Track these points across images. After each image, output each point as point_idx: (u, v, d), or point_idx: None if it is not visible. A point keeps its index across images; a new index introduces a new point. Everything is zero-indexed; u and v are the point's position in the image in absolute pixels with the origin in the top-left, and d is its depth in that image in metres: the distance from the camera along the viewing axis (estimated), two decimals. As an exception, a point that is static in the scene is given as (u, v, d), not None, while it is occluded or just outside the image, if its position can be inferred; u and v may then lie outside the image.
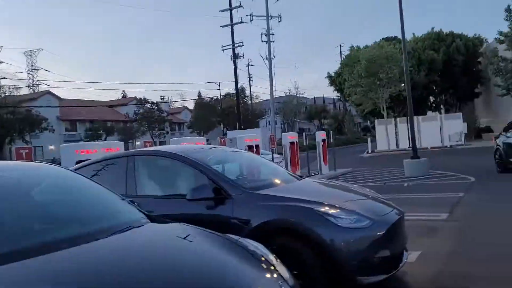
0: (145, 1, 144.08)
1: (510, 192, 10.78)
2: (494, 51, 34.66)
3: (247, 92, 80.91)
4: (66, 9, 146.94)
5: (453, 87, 40.60)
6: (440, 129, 32.60)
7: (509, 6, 30.48)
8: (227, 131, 45.80)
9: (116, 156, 5.25)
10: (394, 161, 16.25)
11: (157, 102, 58.84)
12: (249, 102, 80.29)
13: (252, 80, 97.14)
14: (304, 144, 17.33)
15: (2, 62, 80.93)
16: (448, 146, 31.20)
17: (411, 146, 31.95)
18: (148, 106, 58.93)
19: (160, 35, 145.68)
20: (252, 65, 78.25)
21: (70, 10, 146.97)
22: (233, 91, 66.37)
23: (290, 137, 15.75)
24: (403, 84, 32.80)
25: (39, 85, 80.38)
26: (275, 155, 17.55)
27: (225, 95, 74.11)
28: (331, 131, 20.11)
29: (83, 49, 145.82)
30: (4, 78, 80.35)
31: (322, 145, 18.55)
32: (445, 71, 38.76)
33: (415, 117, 33.55)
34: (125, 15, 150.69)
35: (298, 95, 66.03)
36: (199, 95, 76.03)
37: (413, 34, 42.95)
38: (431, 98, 42.78)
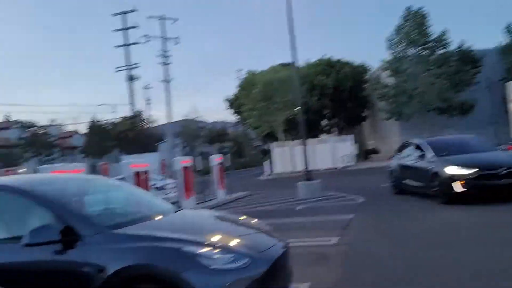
0: (32, 18, 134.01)
1: (398, 211, 11.15)
2: (377, 78, 37.56)
3: (145, 116, 78.43)
4: None
5: (343, 111, 43.12)
6: (333, 151, 34.15)
7: (390, 36, 33.48)
8: (123, 156, 43.45)
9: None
10: (290, 184, 16.43)
11: (43, 126, 54.21)
12: (146, 126, 77.84)
13: (150, 103, 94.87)
14: (197, 169, 16.66)
15: None
16: (340, 167, 32.69)
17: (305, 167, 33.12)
18: (33, 129, 54.02)
19: (48, 53, 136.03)
20: (151, 87, 76.35)
21: None
22: (129, 114, 63.94)
23: (183, 161, 15.00)
24: (297, 108, 34.00)
25: None
26: (169, 180, 16.69)
27: (122, 119, 70.93)
28: (228, 154, 19.81)
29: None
30: None
31: (219, 169, 18.07)
32: (335, 96, 40.99)
33: (311, 140, 34.93)
34: (10, 31, 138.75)
35: (197, 119, 65.33)
36: (93, 119, 71.92)
37: (307, 60, 45.11)
38: (324, 122, 44.92)
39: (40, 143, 53.98)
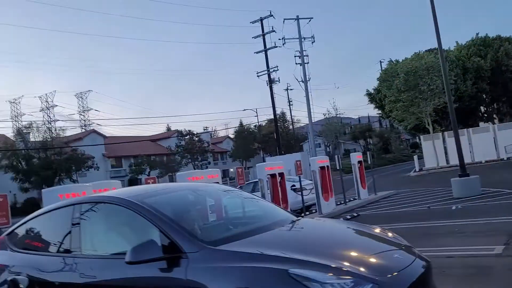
0: (182, 35, 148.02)
1: None
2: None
3: (288, 117, 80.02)
4: (107, 49, 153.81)
5: (505, 94, 37.73)
6: (494, 140, 29.98)
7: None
8: (266, 157, 44.74)
9: (61, 206, 4.27)
10: (443, 180, 14.62)
11: (197, 134, 59.02)
12: (290, 127, 79.28)
13: (292, 105, 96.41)
14: (338, 167, 15.91)
15: (56, 105, 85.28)
16: (505, 159, 28.50)
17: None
18: (189, 137, 59.22)
19: (197, 67, 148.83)
20: (291, 89, 77.67)
21: (113, 50, 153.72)
22: (272, 116, 65.86)
23: (320, 161, 14.42)
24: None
25: (90, 125, 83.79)
26: (306, 181, 16.28)
27: (267, 122, 73.57)
28: (370, 152, 18.51)
29: (127, 86, 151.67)
30: (59, 120, 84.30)
31: (359, 168, 17.05)
32: (494, 78, 36.10)
33: (465, 130, 31.25)
34: (160, 50, 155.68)
35: (340, 115, 63.96)
36: (241, 124, 76.04)
37: (456, 42, 40.72)
38: (482, 108, 39.95)
39: (195, 150, 58.87)
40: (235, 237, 3.60)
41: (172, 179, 56.83)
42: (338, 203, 15.97)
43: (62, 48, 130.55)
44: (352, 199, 17.04)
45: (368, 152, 18.55)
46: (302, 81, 43.77)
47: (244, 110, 77.39)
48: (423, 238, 8.29)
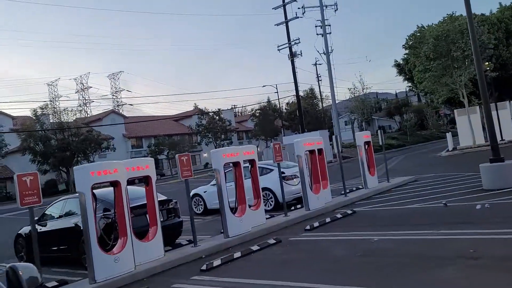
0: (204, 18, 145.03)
1: None
2: None
3: (317, 93, 76.06)
4: (136, 28, 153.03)
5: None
6: (543, 114, 25.81)
7: None
8: (284, 137, 41.75)
9: None
10: (477, 162, 11.71)
11: (217, 111, 56.57)
12: (320, 103, 75.42)
13: (321, 80, 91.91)
14: (335, 148, 12.94)
15: (91, 87, 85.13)
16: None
17: (501, 139, 25.55)
18: (210, 116, 56.89)
19: (221, 46, 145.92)
20: (320, 64, 73.46)
21: (140, 29, 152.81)
22: (301, 93, 62.49)
23: (307, 144, 11.43)
24: (487, 63, 26.51)
25: (123, 105, 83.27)
26: (290, 169, 13.32)
27: (293, 98, 70.05)
28: (380, 131, 15.18)
29: (155, 66, 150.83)
30: (93, 101, 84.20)
31: (367, 150, 13.99)
32: (544, 42, 31.38)
33: (507, 103, 27.11)
34: (185, 29, 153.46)
35: (368, 90, 59.52)
36: (268, 100, 72.88)
37: (500, 4, 35.81)
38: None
39: (217, 129, 56.54)
40: None
41: (193, 159, 54.95)
42: (342, 192, 13.08)
43: (96, 27, 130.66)
44: (356, 188, 14.06)
45: (379, 131, 15.31)
46: (324, 53, 40.27)
47: (264, 86, 73.51)
48: (410, 271, 5.44)
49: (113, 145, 47.20)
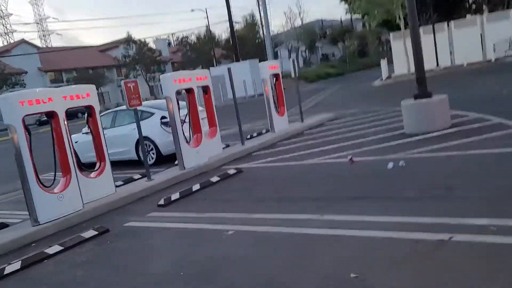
0: None
1: None
2: None
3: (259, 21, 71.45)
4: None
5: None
6: (481, 36, 23.88)
7: None
8: (212, 68, 38.25)
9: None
10: (409, 93, 9.54)
11: (144, 41, 51.45)
12: (261, 30, 71.14)
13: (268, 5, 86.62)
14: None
15: (11, 14, 75.51)
16: (493, 60, 22.68)
17: (436, 65, 23.55)
18: (138, 45, 51.69)
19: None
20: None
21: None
22: (239, 19, 58.05)
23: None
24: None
25: (50, 35, 74.81)
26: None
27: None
28: (297, 59, 12.53)
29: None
30: (16, 31, 75.02)
31: (275, 85, 11.25)
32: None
33: (444, 24, 24.93)
34: None
35: (321, 18, 56.13)
36: (207, 26, 67.52)
37: None
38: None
39: (147, 60, 51.77)
40: None
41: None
42: (236, 142, 10.45)
43: None
44: (260, 132, 11.45)
45: (292, 60, 12.45)
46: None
47: (192, 10, 67.94)
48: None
49: (23, 80, 41.77)
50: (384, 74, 24.99)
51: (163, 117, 9.78)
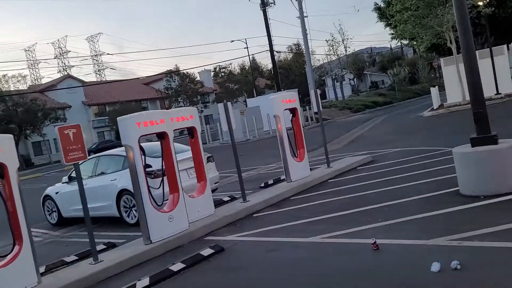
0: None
1: None
2: None
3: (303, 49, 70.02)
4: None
5: None
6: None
7: None
8: (249, 98, 36.56)
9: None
10: (464, 127, 7.32)
11: (186, 72, 50.89)
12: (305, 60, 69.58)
13: (308, 33, 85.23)
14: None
15: (70, 51, 78.88)
16: None
17: (496, 93, 20.51)
18: (181, 77, 51.24)
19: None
20: (305, 16, 67.09)
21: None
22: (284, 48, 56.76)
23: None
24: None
25: (105, 69, 77.38)
26: (185, 154, 8.46)
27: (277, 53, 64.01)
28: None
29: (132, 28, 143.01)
30: (74, 66, 78.29)
31: (293, 122, 9.18)
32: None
33: (504, 47, 21.96)
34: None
35: (347, 38, 53.86)
36: (253, 58, 66.83)
37: None
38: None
39: (188, 92, 51.17)
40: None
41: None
42: (227, 198, 8.41)
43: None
44: (277, 179, 9.33)
45: (314, 91, 10.24)
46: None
47: (232, 41, 67.11)
48: None
49: (64, 115, 42.05)
50: (435, 103, 22.17)
51: (146, 166, 7.85)
